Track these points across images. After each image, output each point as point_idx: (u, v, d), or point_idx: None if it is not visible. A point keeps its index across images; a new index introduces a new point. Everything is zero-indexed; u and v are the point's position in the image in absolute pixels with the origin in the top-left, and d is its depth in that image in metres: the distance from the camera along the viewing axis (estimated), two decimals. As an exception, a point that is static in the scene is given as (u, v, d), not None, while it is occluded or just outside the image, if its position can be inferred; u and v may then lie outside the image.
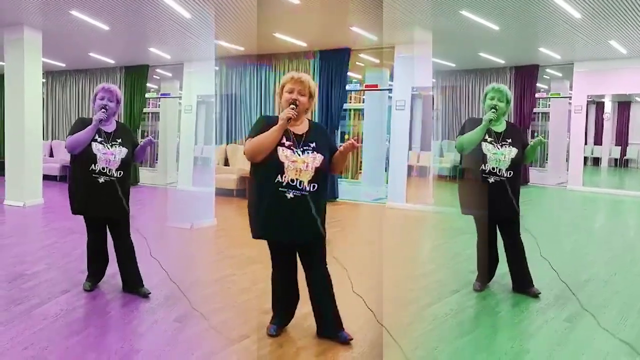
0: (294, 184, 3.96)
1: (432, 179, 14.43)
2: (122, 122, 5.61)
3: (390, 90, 13.76)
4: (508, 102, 5.35)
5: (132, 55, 14.67)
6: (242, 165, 13.62)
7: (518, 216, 5.45)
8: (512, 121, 16.15)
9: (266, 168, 4.03)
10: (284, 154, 4.00)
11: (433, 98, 16.01)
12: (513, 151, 5.26)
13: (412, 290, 5.79)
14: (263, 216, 4.08)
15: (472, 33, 11.18)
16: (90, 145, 5.05)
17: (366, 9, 9.42)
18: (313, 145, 4.10)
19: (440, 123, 18.00)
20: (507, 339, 4.48)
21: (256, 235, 4.21)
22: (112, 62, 15.57)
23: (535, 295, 5.43)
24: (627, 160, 22.81)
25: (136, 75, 15.99)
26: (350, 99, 14.48)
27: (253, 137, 4.08)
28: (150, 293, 5.31)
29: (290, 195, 3.96)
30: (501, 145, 5.28)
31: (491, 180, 5.24)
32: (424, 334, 4.55)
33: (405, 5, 9.15)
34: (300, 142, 4.10)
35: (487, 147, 5.26)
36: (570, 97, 16.34)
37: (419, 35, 11.03)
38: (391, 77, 13.22)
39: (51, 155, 17.05)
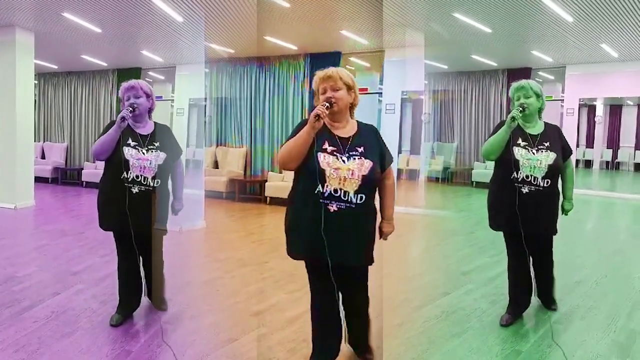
0: (338, 194, 3.41)
1: (422, 182, 14.45)
2: (163, 123, 4.99)
3: (380, 93, 13.77)
4: (538, 95, 4.70)
5: (125, 58, 14.65)
6: (231, 168, 13.61)
7: (552, 232, 4.86)
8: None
9: (305, 177, 3.49)
10: (325, 160, 3.45)
11: (423, 102, 16.03)
12: (550, 156, 4.58)
13: (403, 292, 5.80)
14: (301, 232, 3.57)
15: (464, 35, 11.20)
16: (121, 150, 4.43)
17: (357, 13, 9.42)
18: (361, 150, 3.54)
19: (431, 125, 18.03)
20: (498, 340, 4.49)
21: (291, 253, 3.68)
22: (104, 64, 15.55)
23: (553, 310, 5.21)
24: (618, 163, 22.91)
25: (128, 78, 15.48)
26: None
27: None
28: (167, 308, 5.12)
29: (333, 207, 3.41)
30: (537, 150, 4.60)
31: (525, 190, 4.57)
32: (414, 335, 4.55)
33: (397, 8, 9.15)
34: (345, 147, 3.54)
35: (519, 152, 4.60)
36: (563, 99, 16.38)
37: (411, 38, 11.04)
38: (381, 81, 13.23)
39: (43, 157, 17.01)
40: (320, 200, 3.43)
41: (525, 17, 9.63)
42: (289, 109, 13.26)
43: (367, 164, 3.50)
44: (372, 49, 12.63)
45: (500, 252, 7.61)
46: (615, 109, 23.11)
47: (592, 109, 22.70)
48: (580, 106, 16.41)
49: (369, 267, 3.77)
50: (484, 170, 16.31)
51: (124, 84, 4.69)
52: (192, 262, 7.14)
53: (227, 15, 9.53)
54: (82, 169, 15.82)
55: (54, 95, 17.38)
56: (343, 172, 3.43)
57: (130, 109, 4.48)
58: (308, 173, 3.47)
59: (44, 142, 17.38)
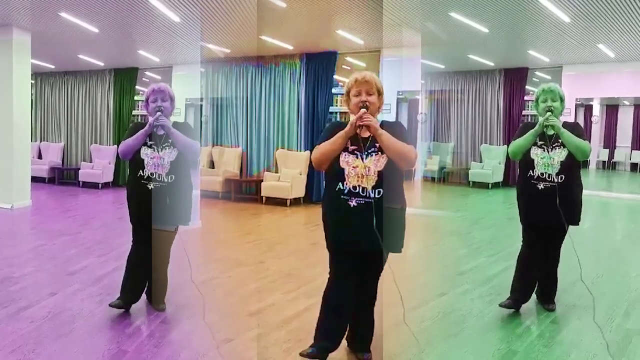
0: (357, 190, 3.69)
1: (418, 182, 14.45)
2: (185, 121, 5.11)
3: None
4: (562, 100, 4.95)
5: (122, 58, 14.64)
6: (227, 168, 13.60)
7: (565, 227, 4.96)
8: (502, 123, 16.39)
9: (329, 176, 3.83)
10: (345, 159, 3.75)
11: (419, 102, 16.01)
12: (563, 153, 4.87)
13: (399, 292, 5.79)
14: (329, 226, 3.90)
15: (461, 35, 11.20)
16: (139, 149, 4.81)
17: (353, 12, 9.42)
18: (379, 145, 3.73)
19: (428, 125, 18.01)
20: (494, 340, 4.50)
21: (328, 247, 3.94)
22: (101, 64, 15.52)
23: (550, 310, 5.25)
24: (614, 162, 22.92)
25: (125, 78, 15.96)
26: (337, 102, 14.50)
27: (320, 144, 3.83)
28: (165, 308, 5.11)
29: (353, 203, 3.69)
30: (552, 148, 4.90)
31: (540, 186, 4.90)
32: (411, 336, 4.55)
33: (394, 8, 9.15)
34: (366, 146, 3.78)
35: (535, 152, 4.96)
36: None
37: (408, 38, 11.04)
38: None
39: (40, 156, 16.96)
40: (342, 197, 3.72)
41: (522, 17, 9.64)
42: (285, 108, 13.24)
43: (384, 159, 3.72)
44: (369, 49, 12.63)
45: (497, 252, 7.68)
46: (611, 109, 23.11)
47: (588, 109, 22.68)
48: (576, 106, 16.43)
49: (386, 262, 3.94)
50: (481, 170, 16.32)
51: (154, 86, 4.92)
52: (187, 262, 7.13)
53: (224, 15, 9.52)
54: (79, 168, 15.78)
55: (50, 95, 17.35)
56: (361, 170, 3.71)
57: (159, 112, 4.75)
58: (332, 172, 3.79)
59: (41, 142, 17.33)
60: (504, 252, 7.64)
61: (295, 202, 12.34)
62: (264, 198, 12.69)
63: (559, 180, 4.85)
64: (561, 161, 4.86)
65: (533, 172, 4.95)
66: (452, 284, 6.12)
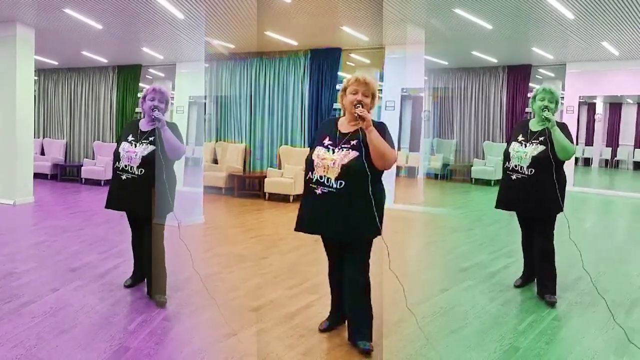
0: (322, 180, 4.04)
1: (421, 179, 14.45)
2: (173, 122, 5.41)
3: (380, 90, 13.77)
4: (557, 103, 5.29)
5: (125, 55, 14.64)
6: (231, 163, 13.60)
7: (548, 216, 5.39)
8: (505, 120, 16.37)
9: (305, 167, 4.24)
10: (317, 153, 4.13)
11: (423, 99, 15.98)
12: (538, 149, 5.21)
13: (401, 288, 5.79)
14: (301, 210, 4.28)
15: (465, 32, 11.18)
16: (121, 143, 5.21)
17: (358, 8, 9.41)
18: (354, 142, 4.07)
19: (431, 123, 18.00)
20: (496, 336, 4.49)
21: (295, 228, 4.34)
22: (105, 61, 15.52)
23: (551, 305, 5.26)
24: (617, 161, 22.91)
25: (129, 75, 15.95)
26: (341, 99, 14.47)
27: (310, 148, 4.31)
28: (166, 302, 5.15)
29: (318, 191, 4.06)
30: (530, 144, 5.29)
31: (513, 177, 5.36)
32: (413, 331, 4.54)
33: (398, 4, 9.14)
34: (341, 141, 4.12)
35: (513, 146, 5.40)
36: (562, 97, 16.38)
37: (411, 35, 11.02)
38: (381, 78, 13.23)
39: (42, 153, 16.98)
40: (310, 185, 4.13)
41: (526, 13, 9.62)
42: (289, 104, 13.23)
43: (352, 154, 4.01)
44: (373, 46, 12.62)
45: (499, 249, 7.69)
46: (615, 107, 23.11)
47: (592, 107, 22.69)
48: (580, 104, 16.40)
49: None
50: (483, 167, 16.30)
51: (155, 86, 5.26)
52: (189, 258, 7.13)
53: (228, 11, 9.52)
54: (82, 165, 15.75)
55: (54, 91, 17.35)
56: (327, 162, 4.05)
57: (157, 110, 5.06)
58: (306, 163, 4.23)
59: (44, 138, 17.34)
60: (506, 249, 7.64)
61: (298, 198, 12.28)
62: (267, 194, 12.70)
63: (529, 173, 5.24)
64: (533, 156, 5.22)
65: (509, 164, 5.42)
66: (454, 280, 6.12)
